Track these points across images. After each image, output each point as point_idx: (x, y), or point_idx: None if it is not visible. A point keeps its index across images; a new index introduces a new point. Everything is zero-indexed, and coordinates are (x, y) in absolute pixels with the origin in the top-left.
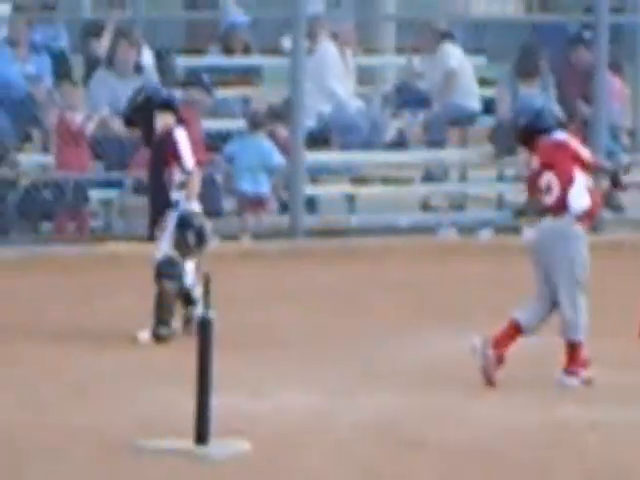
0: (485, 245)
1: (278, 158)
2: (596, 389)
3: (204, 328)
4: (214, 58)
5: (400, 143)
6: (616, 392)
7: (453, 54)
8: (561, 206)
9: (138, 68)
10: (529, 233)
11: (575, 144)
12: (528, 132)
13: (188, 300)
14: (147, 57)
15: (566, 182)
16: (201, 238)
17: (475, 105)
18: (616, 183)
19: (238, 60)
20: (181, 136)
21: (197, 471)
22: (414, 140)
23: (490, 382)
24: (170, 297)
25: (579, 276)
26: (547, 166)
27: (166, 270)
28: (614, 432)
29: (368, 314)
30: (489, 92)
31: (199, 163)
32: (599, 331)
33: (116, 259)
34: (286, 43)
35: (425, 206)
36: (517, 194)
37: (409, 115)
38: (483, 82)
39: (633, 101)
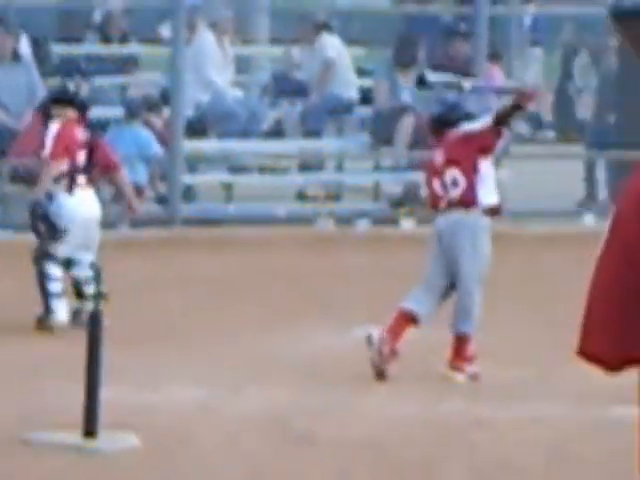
0: (362, 236)
1: (156, 147)
2: (483, 385)
3: (94, 321)
4: (91, 46)
5: (278, 132)
6: (503, 388)
7: (331, 44)
8: (469, 200)
9: (16, 56)
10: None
11: (480, 129)
12: (437, 124)
13: (79, 293)
14: (24, 45)
15: (472, 177)
16: (51, 227)
17: (353, 95)
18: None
19: (116, 48)
20: (53, 128)
21: (86, 465)
22: (292, 130)
23: (381, 376)
24: (43, 281)
25: (481, 269)
26: (452, 162)
27: (36, 255)
28: (501, 429)
29: (249, 305)
30: (367, 82)
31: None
32: (489, 325)
33: None
34: (164, 32)
35: (301, 196)
36: (394, 185)
37: (287, 105)
38: (361, 72)
39: None
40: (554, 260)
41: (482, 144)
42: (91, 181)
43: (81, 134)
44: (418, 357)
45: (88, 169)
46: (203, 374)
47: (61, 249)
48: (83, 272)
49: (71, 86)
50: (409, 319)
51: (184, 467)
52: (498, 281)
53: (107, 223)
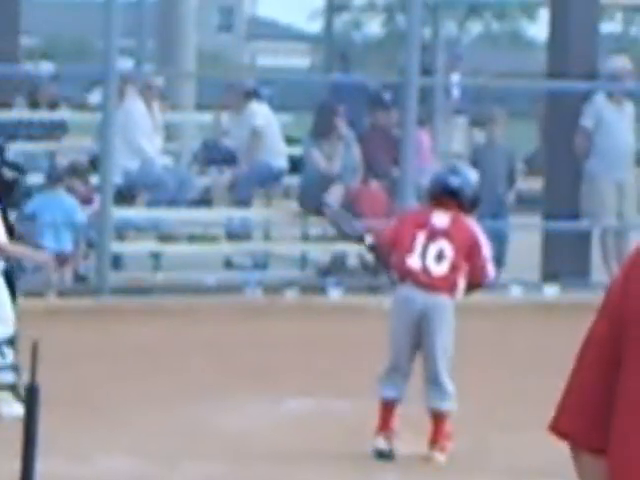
0: (291, 304)
1: (81, 214)
2: (413, 459)
3: (31, 395)
4: (20, 111)
5: (206, 201)
6: (433, 462)
7: (259, 112)
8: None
9: None
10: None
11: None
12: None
13: None
14: None
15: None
16: None
17: (282, 164)
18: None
19: (44, 114)
20: None
21: None
22: (220, 198)
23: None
24: None
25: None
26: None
27: None
28: None
29: (179, 375)
30: (296, 150)
31: None
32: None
33: None
34: (93, 98)
35: (229, 264)
36: (322, 253)
37: (215, 172)
38: (290, 140)
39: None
40: (481, 331)
41: (474, 272)
42: None
43: None
44: (350, 432)
45: None
46: (136, 445)
47: None
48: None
49: None
50: (392, 406)
51: None
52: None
53: (34, 292)
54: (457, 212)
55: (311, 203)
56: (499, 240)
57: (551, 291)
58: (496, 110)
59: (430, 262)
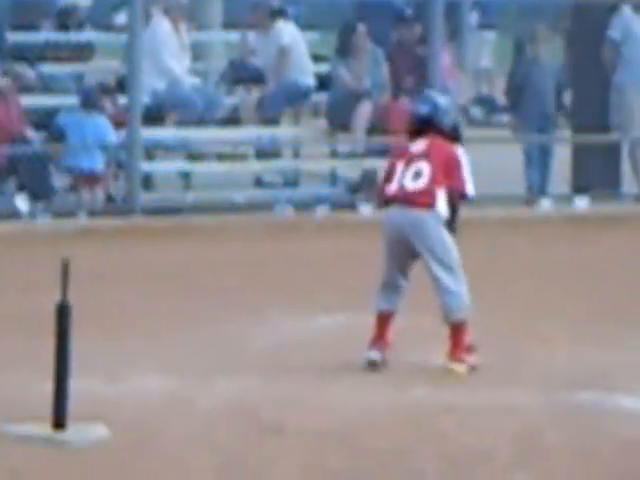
0: (321, 221)
1: (112, 135)
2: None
3: (62, 314)
4: (47, 34)
5: (235, 119)
6: (468, 374)
7: (286, 31)
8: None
9: None
10: None
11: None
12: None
13: None
14: None
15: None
16: None
17: (309, 81)
18: None
19: (70, 36)
20: None
21: (56, 457)
22: (248, 117)
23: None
24: None
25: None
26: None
27: None
28: (468, 416)
29: (211, 294)
30: (323, 68)
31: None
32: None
33: None
34: (119, 19)
35: (259, 183)
36: (351, 170)
37: (243, 92)
38: (317, 58)
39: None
40: (513, 244)
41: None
42: None
43: None
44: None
45: None
46: (170, 364)
47: None
48: None
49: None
50: (386, 319)
51: (154, 458)
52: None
53: (66, 212)
54: (435, 137)
55: (340, 120)
56: (544, 154)
57: (582, 203)
58: (540, 27)
59: (407, 182)
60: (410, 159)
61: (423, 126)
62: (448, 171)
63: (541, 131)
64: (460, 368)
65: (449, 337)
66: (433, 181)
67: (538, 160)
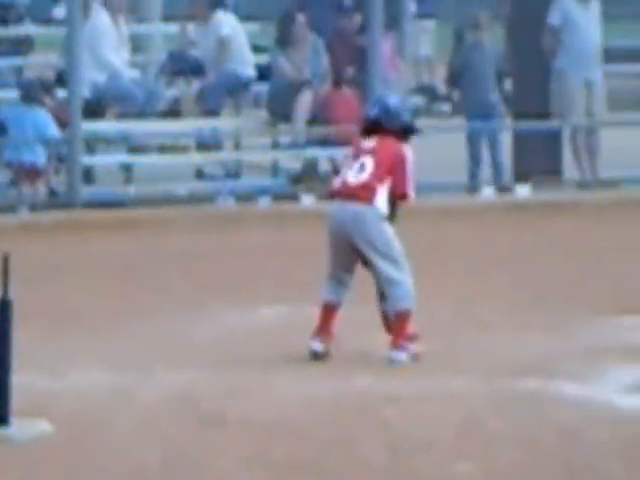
0: (263, 213)
1: (53, 129)
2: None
3: (3, 309)
4: None
5: (175, 112)
6: (411, 363)
7: (225, 22)
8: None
9: None
10: None
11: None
12: (372, 125)
13: None
14: None
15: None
16: None
17: (250, 72)
18: None
19: (11, 30)
20: None
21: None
22: (189, 109)
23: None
24: None
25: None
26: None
27: None
28: (411, 405)
29: (154, 287)
30: (263, 59)
31: None
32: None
33: None
34: (58, 13)
35: (200, 175)
36: (293, 160)
37: (183, 84)
38: (257, 49)
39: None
40: (455, 232)
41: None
42: None
43: None
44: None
45: None
46: (111, 357)
47: None
48: None
49: None
50: (331, 309)
51: (97, 452)
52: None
53: (7, 207)
54: (385, 136)
55: (280, 111)
56: (491, 141)
57: (523, 191)
58: (481, 14)
59: (350, 176)
60: (358, 154)
61: (373, 127)
62: (391, 168)
63: (484, 118)
64: (401, 357)
65: (393, 326)
66: (374, 176)
67: (481, 148)
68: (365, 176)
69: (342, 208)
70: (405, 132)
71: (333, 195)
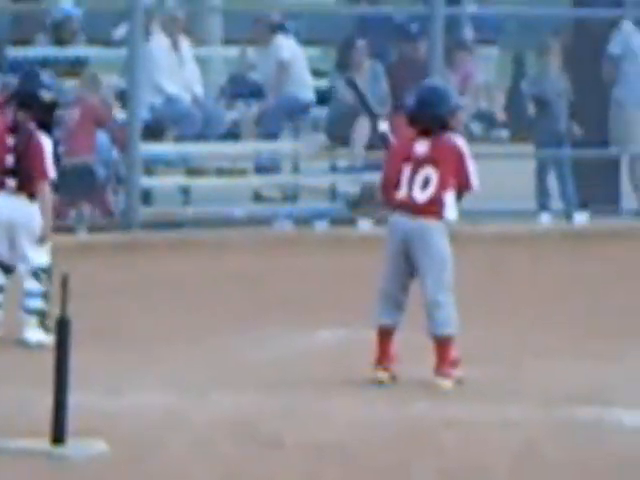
0: (320, 236)
1: (113, 150)
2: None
3: (62, 327)
4: (44, 49)
5: (234, 134)
6: (469, 389)
7: (286, 45)
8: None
9: None
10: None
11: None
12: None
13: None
14: None
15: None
16: None
17: (309, 96)
18: None
19: (68, 51)
20: None
21: (55, 472)
22: (248, 131)
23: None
24: None
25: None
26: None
27: None
28: (468, 430)
29: (210, 308)
30: (322, 83)
31: None
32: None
33: None
34: (117, 34)
35: (258, 197)
36: (350, 185)
37: (243, 106)
38: (316, 73)
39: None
40: (513, 259)
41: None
42: (23, 187)
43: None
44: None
45: (17, 173)
46: (168, 379)
47: None
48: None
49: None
50: (388, 333)
51: (153, 473)
52: (458, 281)
53: (66, 227)
54: (436, 135)
55: (339, 135)
56: (559, 170)
57: (581, 219)
58: (550, 40)
59: (416, 191)
60: (417, 164)
61: (416, 119)
62: (455, 173)
63: (553, 146)
64: (446, 383)
65: (435, 352)
66: (441, 187)
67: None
68: (432, 190)
69: (407, 222)
70: (447, 116)
71: (395, 207)
